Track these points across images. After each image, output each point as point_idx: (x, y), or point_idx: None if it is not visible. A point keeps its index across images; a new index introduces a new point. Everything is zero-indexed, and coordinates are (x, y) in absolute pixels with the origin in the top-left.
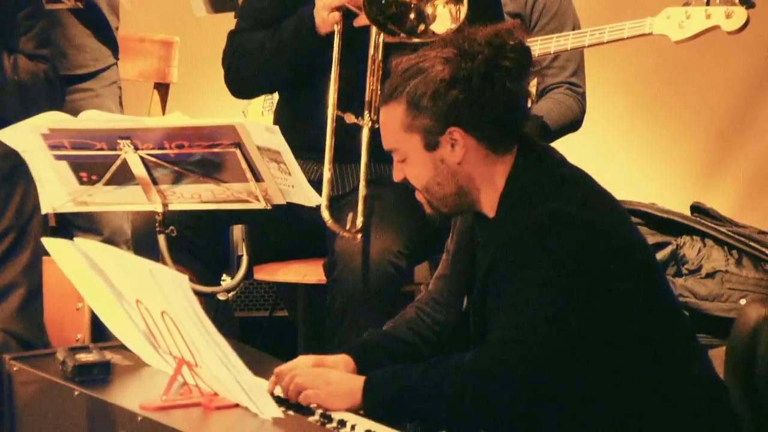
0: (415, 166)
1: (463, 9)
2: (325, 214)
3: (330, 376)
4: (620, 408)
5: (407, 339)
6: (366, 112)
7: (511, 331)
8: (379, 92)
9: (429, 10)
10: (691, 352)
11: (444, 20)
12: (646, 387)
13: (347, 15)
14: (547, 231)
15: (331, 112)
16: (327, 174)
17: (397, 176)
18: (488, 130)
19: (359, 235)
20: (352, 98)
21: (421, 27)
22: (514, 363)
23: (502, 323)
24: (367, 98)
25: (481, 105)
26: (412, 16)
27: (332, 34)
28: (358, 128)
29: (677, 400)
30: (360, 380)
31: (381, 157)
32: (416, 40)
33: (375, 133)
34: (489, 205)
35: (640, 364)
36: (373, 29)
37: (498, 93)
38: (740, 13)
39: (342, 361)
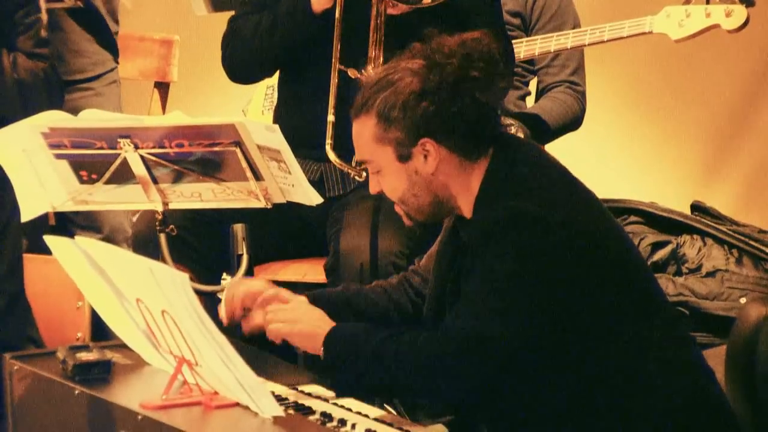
0: (389, 178)
1: None
2: (331, 155)
3: (301, 315)
4: (588, 402)
5: (380, 302)
6: (369, 67)
7: (460, 321)
8: (381, 47)
9: None
10: (672, 344)
11: None
12: (617, 380)
13: None
14: (504, 227)
15: (334, 69)
16: (331, 118)
17: (373, 188)
18: (460, 140)
19: (364, 173)
20: (355, 63)
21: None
22: (460, 355)
23: (456, 313)
24: (369, 54)
25: (452, 116)
26: None
27: (327, 11)
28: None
29: (653, 392)
30: (326, 328)
31: None
32: (425, 1)
33: None
34: (467, 209)
35: (606, 359)
36: None
37: (467, 103)
38: (740, 12)
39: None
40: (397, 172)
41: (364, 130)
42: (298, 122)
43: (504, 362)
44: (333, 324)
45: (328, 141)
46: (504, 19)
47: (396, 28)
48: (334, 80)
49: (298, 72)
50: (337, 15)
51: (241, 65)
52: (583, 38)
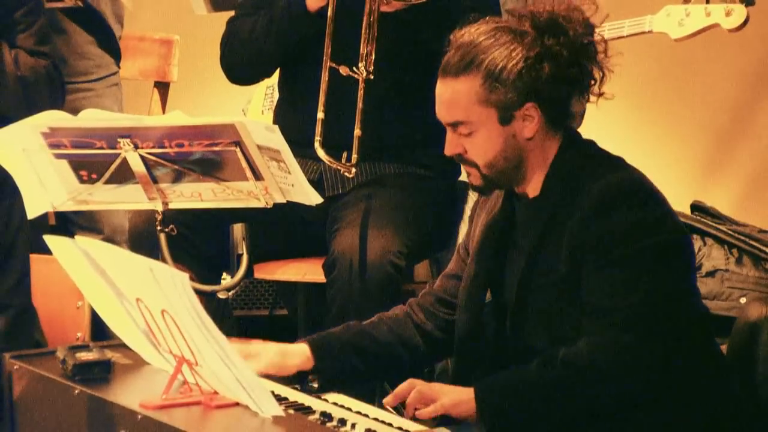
0: (483, 141)
1: None
2: (320, 152)
3: (435, 393)
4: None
5: (384, 340)
6: (360, 64)
7: (628, 307)
8: (374, 44)
9: None
10: (710, 340)
11: None
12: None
13: None
14: (626, 198)
15: (325, 63)
16: (320, 115)
17: (451, 149)
18: (559, 108)
19: (354, 170)
20: (348, 60)
21: None
22: (640, 353)
23: (616, 297)
24: (362, 51)
25: (566, 81)
26: None
27: (323, 10)
28: (353, 127)
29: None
30: (468, 390)
31: (380, 156)
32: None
33: (370, 86)
34: (534, 184)
35: (680, 343)
36: None
37: (581, 71)
38: (740, 11)
39: (299, 351)
40: (495, 135)
41: (464, 89)
42: (298, 122)
43: (676, 350)
44: (470, 390)
45: (317, 138)
46: (501, 15)
47: (389, 25)
48: (324, 77)
49: (297, 72)
50: (329, 13)
51: (239, 66)
52: None
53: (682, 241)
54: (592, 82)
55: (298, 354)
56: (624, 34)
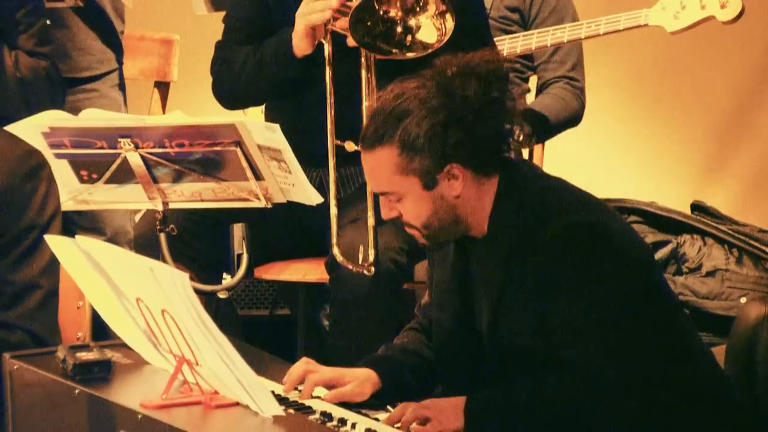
0: (412, 206)
1: (449, 22)
2: (339, 258)
3: (433, 412)
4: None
5: (426, 356)
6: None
7: (596, 361)
8: (375, 92)
9: (413, 22)
10: (696, 348)
11: (431, 31)
12: (660, 385)
13: (337, 37)
14: (577, 244)
15: (330, 144)
16: (333, 210)
17: (387, 214)
18: (483, 160)
19: (373, 268)
20: (347, 121)
21: (409, 38)
22: (610, 393)
23: (587, 351)
24: (364, 102)
25: (479, 139)
26: (399, 30)
27: (312, 54)
28: (355, 133)
29: (684, 397)
30: (459, 401)
31: None
32: (409, 54)
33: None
34: (478, 226)
35: (657, 363)
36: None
37: (492, 125)
38: (735, 3)
39: (364, 375)
40: (422, 200)
41: (383, 161)
42: (295, 131)
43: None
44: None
45: (334, 239)
46: (493, 38)
47: (386, 69)
48: (332, 162)
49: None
50: (327, 81)
51: (232, 97)
52: (579, 32)
53: (646, 264)
54: (512, 133)
55: (370, 380)
56: (620, 28)
